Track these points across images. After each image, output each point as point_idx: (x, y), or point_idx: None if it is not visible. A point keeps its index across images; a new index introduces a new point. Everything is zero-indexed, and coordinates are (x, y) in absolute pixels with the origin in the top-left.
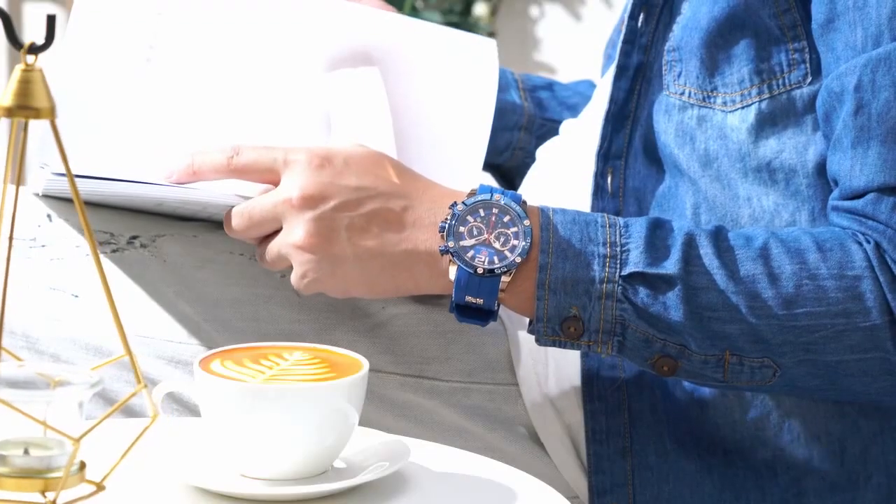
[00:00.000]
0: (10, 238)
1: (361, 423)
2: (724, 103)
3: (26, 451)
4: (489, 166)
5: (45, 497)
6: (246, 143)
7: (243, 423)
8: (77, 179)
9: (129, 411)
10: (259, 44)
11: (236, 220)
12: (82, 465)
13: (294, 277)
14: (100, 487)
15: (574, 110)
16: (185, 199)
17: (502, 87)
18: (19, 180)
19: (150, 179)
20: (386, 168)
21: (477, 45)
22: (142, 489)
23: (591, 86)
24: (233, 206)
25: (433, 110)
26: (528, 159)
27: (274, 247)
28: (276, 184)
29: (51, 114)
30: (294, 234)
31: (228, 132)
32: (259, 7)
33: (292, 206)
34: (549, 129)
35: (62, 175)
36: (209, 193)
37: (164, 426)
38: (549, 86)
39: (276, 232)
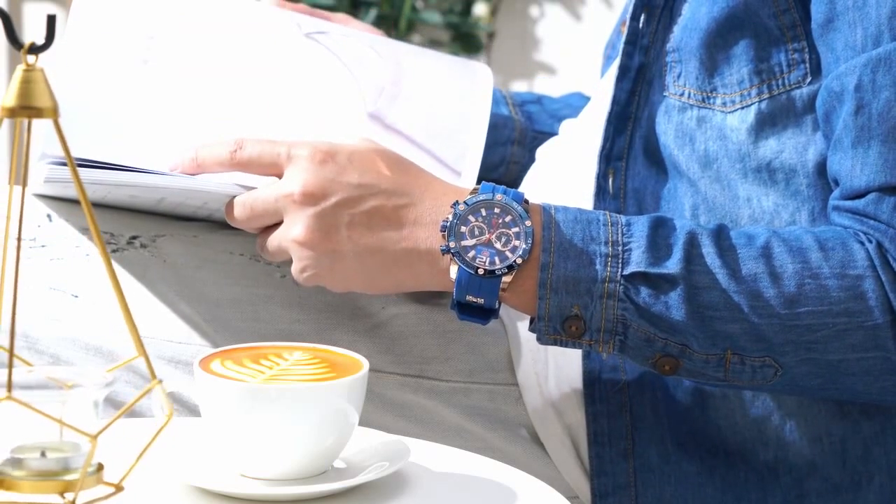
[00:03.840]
0: (19, 239)
1: (361, 423)
2: (724, 104)
3: (43, 454)
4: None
5: (63, 498)
6: (249, 136)
7: (243, 423)
8: (80, 169)
9: (130, 413)
10: (256, 43)
11: (238, 210)
12: (100, 467)
13: (294, 270)
14: (118, 488)
15: None
16: (186, 187)
17: (492, 103)
18: (24, 181)
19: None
20: (389, 165)
21: (473, 69)
22: (142, 489)
23: (581, 98)
24: (234, 196)
25: (430, 128)
26: (523, 173)
27: (274, 240)
28: (279, 177)
29: (53, 113)
30: (294, 230)
31: (228, 128)
32: (254, 19)
33: (294, 201)
34: (541, 141)
35: (62, 164)
36: (210, 183)
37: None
38: (538, 100)
39: (278, 223)
